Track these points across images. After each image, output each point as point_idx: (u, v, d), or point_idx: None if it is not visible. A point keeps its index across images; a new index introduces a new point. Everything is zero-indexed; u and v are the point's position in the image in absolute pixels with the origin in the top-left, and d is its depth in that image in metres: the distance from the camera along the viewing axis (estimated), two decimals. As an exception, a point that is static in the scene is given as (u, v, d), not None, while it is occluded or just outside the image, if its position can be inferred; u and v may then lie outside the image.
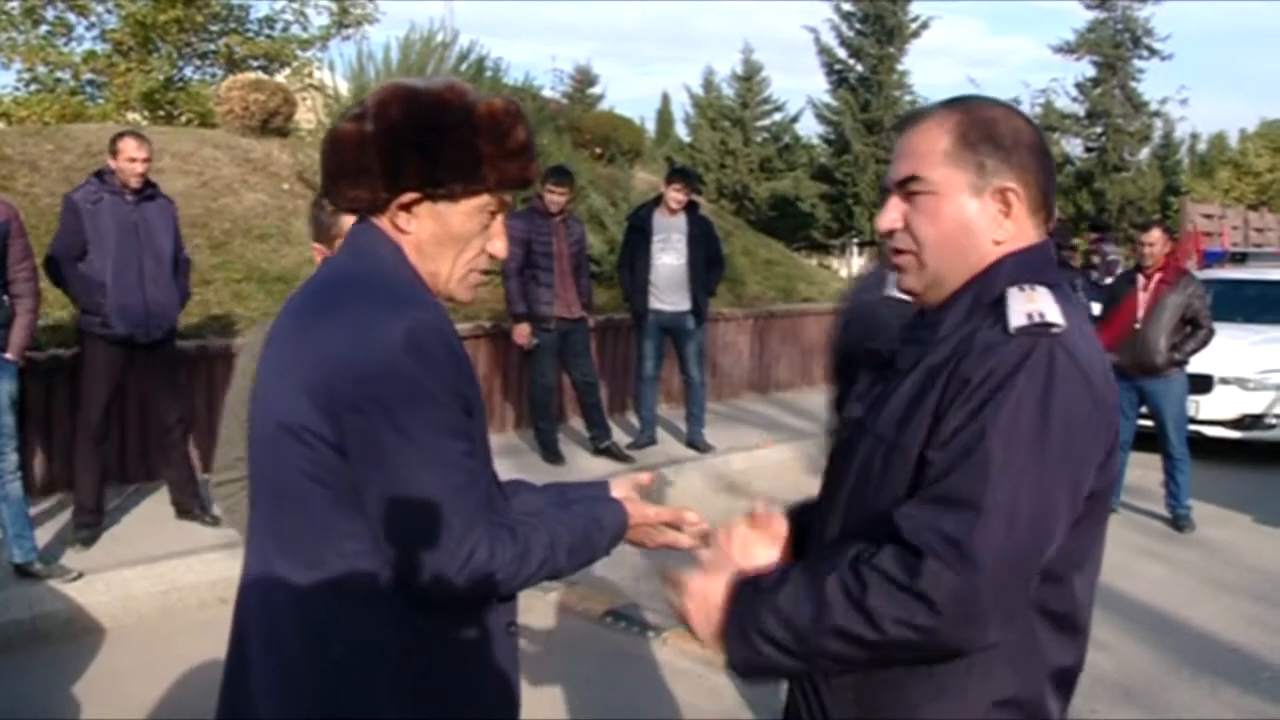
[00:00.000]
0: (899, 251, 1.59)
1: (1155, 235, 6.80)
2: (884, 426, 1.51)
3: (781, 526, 1.75)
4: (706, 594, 1.54)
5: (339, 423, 1.49)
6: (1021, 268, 1.52)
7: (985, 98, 1.61)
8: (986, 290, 1.51)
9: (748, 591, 1.51)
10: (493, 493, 1.62)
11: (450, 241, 1.62)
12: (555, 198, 7.58)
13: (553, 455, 7.68)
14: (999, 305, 1.47)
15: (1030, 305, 1.44)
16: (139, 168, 5.55)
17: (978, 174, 1.53)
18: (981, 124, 1.54)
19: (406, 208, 1.60)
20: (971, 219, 1.53)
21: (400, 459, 1.48)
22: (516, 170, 1.63)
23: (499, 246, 1.68)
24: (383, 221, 1.62)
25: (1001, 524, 1.32)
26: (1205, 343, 6.79)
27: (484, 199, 1.62)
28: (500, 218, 1.67)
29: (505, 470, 1.77)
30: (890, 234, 1.60)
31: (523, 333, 7.53)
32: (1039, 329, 1.41)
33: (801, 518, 1.74)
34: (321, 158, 1.66)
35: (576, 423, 8.56)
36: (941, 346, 1.49)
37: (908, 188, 1.57)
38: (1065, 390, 1.38)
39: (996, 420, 1.36)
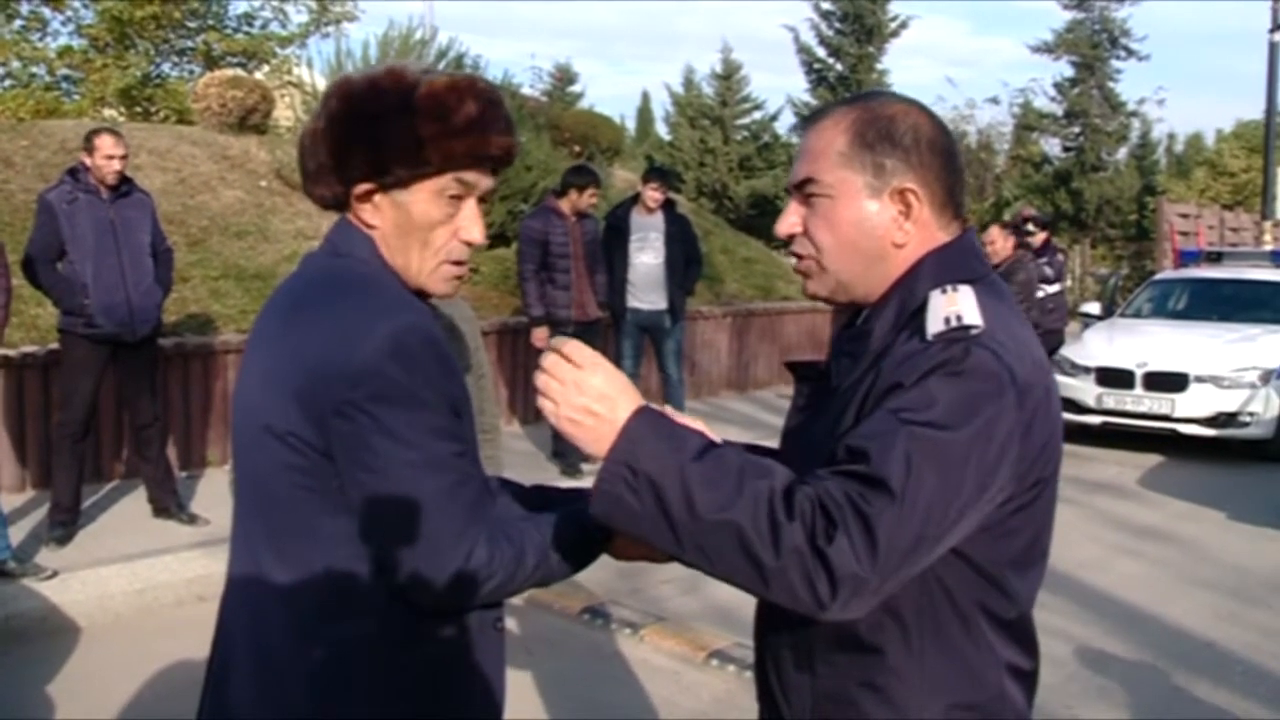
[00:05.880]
0: (799, 257, 1.55)
1: (994, 233, 7.68)
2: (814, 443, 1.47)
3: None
4: (616, 398, 1.36)
5: (324, 428, 1.47)
6: (942, 266, 1.47)
7: (888, 93, 1.55)
8: (911, 295, 1.46)
9: (653, 429, 1.34)
10: (486, 494, 1.59)
11: (414, 231, 1.59)
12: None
13: (571, 469, 7.45)
14: (922, 313, 1.42)
15: (949, 309, 1.39)
16: (116, 165, 5.51)
17: (875, 175, 1.47)
18: (879, 122, 1.48)
19: (364, 199, 1.59)
20: (870, 222, 1.48)
21: (389, 462, 1.46)
22: (465, 148, 1.56)
23: (475, 233, 1.62)
24: (353, 217, 1.62)
25: (905, 513, 1.26)
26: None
27: (440, 182, 1.57)
28: (472, 202, 1.61)
29: (518, 473, 1.72)
30: (790, 239, 1.55)
31: (541, 336, 7.32)
32: (957, 333, 1.37)
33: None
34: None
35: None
36: (867, 364, 1.45)
37: (805, 190, 1.51)
38: (983, 388, 1.33)
39: (913, 410, 1.31)
